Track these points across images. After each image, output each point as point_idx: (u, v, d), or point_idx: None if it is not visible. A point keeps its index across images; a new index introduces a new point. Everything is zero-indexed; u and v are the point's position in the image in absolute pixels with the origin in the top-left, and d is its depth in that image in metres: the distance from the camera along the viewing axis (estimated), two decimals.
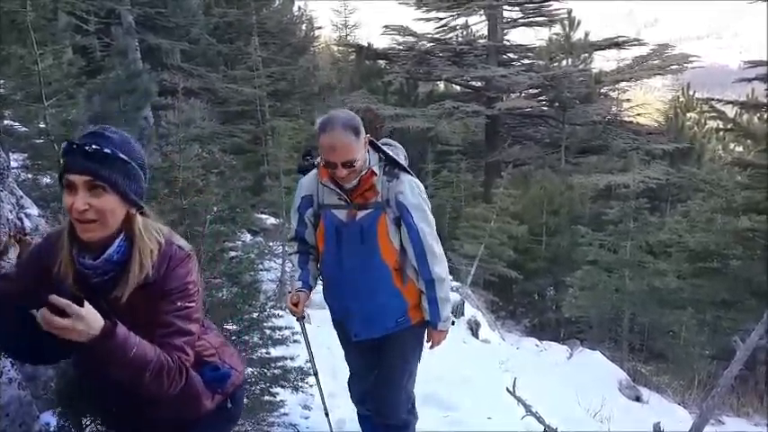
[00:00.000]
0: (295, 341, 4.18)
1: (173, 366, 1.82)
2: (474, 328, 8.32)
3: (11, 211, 3.15)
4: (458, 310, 8.51)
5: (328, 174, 2.92)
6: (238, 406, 2.29)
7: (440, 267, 3.01)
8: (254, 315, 3.89)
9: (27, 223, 3.48)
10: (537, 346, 9.68)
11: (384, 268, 2.99)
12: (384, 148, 3.03)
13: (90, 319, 1.62)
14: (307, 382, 4.15)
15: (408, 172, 3.01)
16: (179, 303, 1.88)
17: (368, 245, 2.95)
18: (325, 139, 2.81)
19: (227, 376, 2.09)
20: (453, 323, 3.24)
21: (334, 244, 3.03)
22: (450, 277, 3.15)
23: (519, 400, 4.88)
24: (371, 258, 2.97)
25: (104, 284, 1.84)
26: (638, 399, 7.61)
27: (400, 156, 3.06)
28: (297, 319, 3.33)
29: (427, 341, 3.23)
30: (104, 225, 1.79)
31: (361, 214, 2.94)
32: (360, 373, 3.43)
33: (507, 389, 4.99)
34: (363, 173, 2.89)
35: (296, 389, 4.08)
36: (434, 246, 2.99)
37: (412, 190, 2.94)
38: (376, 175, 2.91)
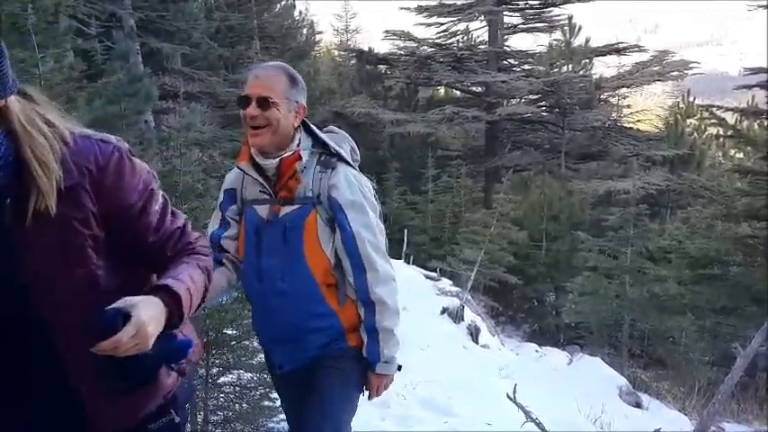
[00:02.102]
0: None
1: (208, 269, 1.57)
2: (474, 334, 8.30)
3: None
4: (458, 315, 8.51)
5: (249, 155, 2.32)
6: (184, 416, 1.75)
7: (383, 288, 2.29)
8: None
9: None
10: (537, 351, 9.65)
11: (310, 279, 2.30)
12: (324, 135, 2.41)
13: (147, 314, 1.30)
14: None
15: (350, 164, 2.38)
16: (152, 206, 1.50)
17: (290, 247, 2.29)
18: (250, 73, 2.31)
19: (188, 346, 1.52)
20: (400, 368, 2.47)
21: (253, 252, 2.37)
22: (398, 308, 2.36)
23: (519, 406, 4.87)
24: (294, 264, 2.30)
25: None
26: (638, 405, 7.60)
27: (344, 146, 2.45)
28: None
29: (365, 388, 2.45)
30: None
31: (285, 210, 2.30)
32: (295, 422, 2.58)
33: (507, 395, 4.98)
34: (286, 153, 2.27)
35: None
36: (376, 258, 2.28)
37: (349, 184, 2.30)
38: (301, 159, 2.28)
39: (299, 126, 2.33)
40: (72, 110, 5.34)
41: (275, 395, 3.94)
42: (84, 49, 11.61)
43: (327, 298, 2.32)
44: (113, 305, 1.29)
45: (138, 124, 10.42)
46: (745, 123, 16.87)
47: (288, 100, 2.25)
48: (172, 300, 1.38)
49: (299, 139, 2.32)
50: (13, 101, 1.34)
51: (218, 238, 2.44)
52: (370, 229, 2.30)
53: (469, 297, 10.23)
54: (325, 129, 2.52)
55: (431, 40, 22.42)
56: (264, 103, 2.20)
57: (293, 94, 2.27)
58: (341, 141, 2.46)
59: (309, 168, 2.30)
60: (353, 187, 2.31)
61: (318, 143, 2.36)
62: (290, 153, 2.27)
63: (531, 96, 21.21)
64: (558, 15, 21.21)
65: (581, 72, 20.58)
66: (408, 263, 12.63)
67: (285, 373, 2.48)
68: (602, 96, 21.32)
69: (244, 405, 3.97)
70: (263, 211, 2.34)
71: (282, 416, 3.97)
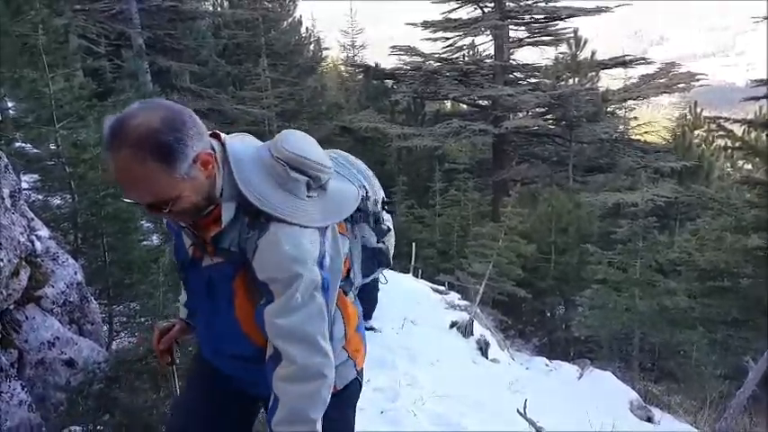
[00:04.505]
0: None
1: None
2: (483, 348, 8.26)
3: (22, 234, 3.17)
4: (467, 330, 8.48)
5: None
6: None
7: (294, 387, 1.70)
8: None
9: (38, 245, 3.51)
10: (547, 365, 9.60)
11: (247, 344, 1.84)
12: (251, 189, 1.69)
13: None
14: None
15: (286, 222, 1.68)
16: None
17: (218, 305, 1.82)
18: (110, 160, 1.59)
19: None
20: None
21: (185, 279, 1.99)
22: (309, 418, 1.71)
23: (530, 421, 4.85)
24: (226, 325, 1.84)
25: None
26: (649, 419, 7.54)
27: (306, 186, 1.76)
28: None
29: None
30: None
31: (207, 261, 1.80)
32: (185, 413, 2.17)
33: (518, 410, 4.96)
34: (206, 212, 1.71)
35: None
36: (294, 350, 1.69)
37: (276, 254, 1.66)
38: (219, 224, 1.70)
39: (215, 173, 1.67)
40: (82, 129, 5.40)
41: None
42: (94, 68, 11.77)
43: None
44: None
45: None
46: (752, 135, 16.81)
47: (182, 178, 1.59)
48: None
49: (221, 187, 1.69)
50: None
51: (175, 255, 2.02)
52: (289, 314, 1.68)
53: (478, 311, 10.19)
54: (273, 152, 1.75)
55: (437, 55, 22.57)
56: (158, 207, 1.63)
57: (181, 164, 1.57)
58: (284, 180, 1.73)
59: (236, 222, 1.71)
60: (279, 260, 1.67)
61: (241, 190, 1.69)
62: (209, 210, 1.70)
63: (537, 109, 21.26)
64: (564, 29, 21.32)
65: (587, 85, 20.59)
66: (417, 276, 12.62)
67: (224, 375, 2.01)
68: (608, 109, 21.34)
69: None
70: (187, 244, 1.86)
71: None
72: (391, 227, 2.19)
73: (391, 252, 2.22)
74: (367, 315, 7.59)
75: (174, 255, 1.99)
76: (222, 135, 1.75)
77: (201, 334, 1.99)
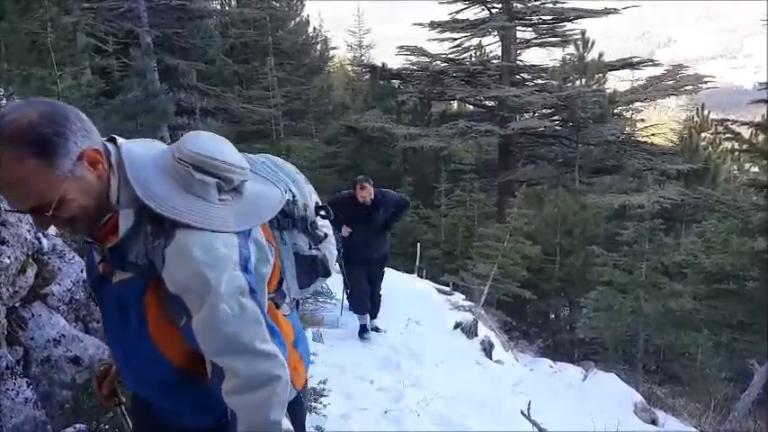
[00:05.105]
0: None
1: None
2: (488, 349, 8.27)
3: (29, 231, 3.19)
4: (471, 331, 8.49)
5: None
6: None
7: (246, 398, 1.57)
8: None
9: (44, 243, 3.53)
10: (551, 367, 9.58)
11: (166, 367, 1.66)
12: (148, 193, 1.53)
13: None
14: (320, 403, 4.15)
15: (193, 227, 1.53)
16: None
17: (131, 327, 1.63)
18: None
19: None
20: None
21: (96, 299, 1.78)
22: (271, 421, 1.59)
23: (533, 423, 4.84)
24: (141, 348, 1.65)
25: None
26: (653, 422, 7.53)
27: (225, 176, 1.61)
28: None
29: None
30: None
31: (119, 276, 1.61)
32: None
33: (522, 411, 4.96)
34: (103, 221, 1.55)
35: (309, 410, 4.08)
36: (234, 361, 1.55)
37: (186, 261, 1.51)
38: (116, 234, 1.55)
39: (107, 176, 1.52)
40: None
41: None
42: (102, 67, 11.81)
43: (203, 374, 1.64)
44: None
45: None
46: (760, 137, 16.75)
47: (65, 176, 1.44)
48: None
49: (118, 191, 1.54)
50: None
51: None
52: (217, 326, 1.54)
53: (483, 312, 10.20)
54: (176, 155, 1.58)
55: (444, 56, 22.56)
56: (41, 210, 1.45)
57: (62, 160, 1.43)
58: (190, 183, 1.57)
59: (138, 232, 1.54)
60: (190, 267, 1.51)
61: (139, 195, 1.52)
62: (108, 217, 1.54)
63: (544, 110, 21.23)
64: (571, 30, 21.28)
65: (594, 86, 20.55)
66: (421, 277, 12.62)
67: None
68: (615, 110, 21.29)
69: None
70: (97, 258, 1.67)
71: None
72: (329, 233, 2.03)
73: (332, 260, 2.06)
74: (371, 316, 7.59)
75: (87, 276, 1.81)
76: (119, 139, 1.60)
77: (120, 362, 1.80)
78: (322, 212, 2.00)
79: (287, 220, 1.86)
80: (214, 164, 1.60)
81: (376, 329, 7.58)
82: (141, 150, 1.60)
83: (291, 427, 1.65)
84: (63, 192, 1.43)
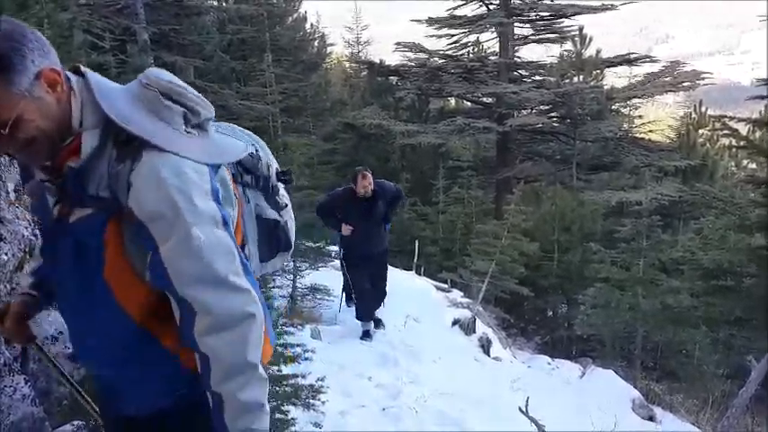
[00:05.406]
0: (306, 359, 4.19)
1: None
2: (485, 346, 8.27)
3: (26, 228, 3.18)
4: (469, 327, 8.49)
5: None
6: None
7: (220, 337, 1.49)
8: None
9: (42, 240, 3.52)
10: (549, 363, 9.59)
11: (123, 320, 1.55)
12: (115, 106, 1.49)
13: None
14: (318, 400, 4.15)
15: (164, 150, 1.47)
16: None
17: (86, 272, 1.52)
18: None
19: None
20: None
21: (48, 252, 1.68)
22: (248, 362, 1.52)
23: (531, 419, 4.85)
24: (94, 298, 1.54)
25: None
26: (651, 418, 7.54)
27: (166, 113, 1.55)
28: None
29: None
30: None
31: (76, 214, 1.51)
32: None
33: (520, 408, 4.96)
34: (67, 139, 1.47)
35: (307, 407, 4.08)
36: (207, 296, 1.48)
37: (157, 185, 1.44)
38: (78, 155, 1.47)
39: (68, 97, 1.47)
40: None
41: (287, 407, 3.96)
42: (99, 63, 11.75)
43: (159, 335, 1.58)
44: None
45: None
46: (757, 134, 16.78)
47: (22, 95, 1.38)
48: None
49: (81, 115, 1.48)
50: None
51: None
52: (191, 256, 1.46)
53: (481, 309, 10.20)
54: (141, 79, 1.57)
55: (441, 52, 22.50)
56: None
57: (19, 77, 1.37)
58: (157, 107, 1.53)
59: (101, 156, 1.46)
60: (161, 190, 1.44)
61: (111, 116, 1.47)
62: (69, 141, 1.47)
63: (542, 107, 21.20)
64: (569, 26, 21.22)
65: (592, 83, 20.54)
66: (420, 274, 12.62)
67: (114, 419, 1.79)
68: (613, 107, 21.28)
69: None
70: (51, 203, 1.56)
71: (294, 428, 3.98)
72: (288, 203, 1.99)
73: (292, 234, 2.00)
74: (374, 308, 7.50)
75: (40, 232, 1.67)
76: (83, 67, 1.54)
77: (74, 330, 1.66)
78: (284, 177, 1.97)
79: (250, 176, 1.81)
80: (181, 91, 1.57)
81: (377, 322, 7.53)
82: (108, 81, 1.56)
83: (267, 408, 1.58)
84: (20, 111, 1.37)
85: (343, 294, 8.29)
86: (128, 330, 1.55)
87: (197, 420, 1.59)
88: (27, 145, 1.43)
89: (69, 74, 1.51)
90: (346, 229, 6.99)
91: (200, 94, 1.61)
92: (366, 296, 7.22)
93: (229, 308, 1.49)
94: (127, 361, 1.59)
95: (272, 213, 1.90)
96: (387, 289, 7.62)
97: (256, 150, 1.86)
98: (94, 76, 1.52)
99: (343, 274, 7.63)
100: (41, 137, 1.43)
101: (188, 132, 1.56)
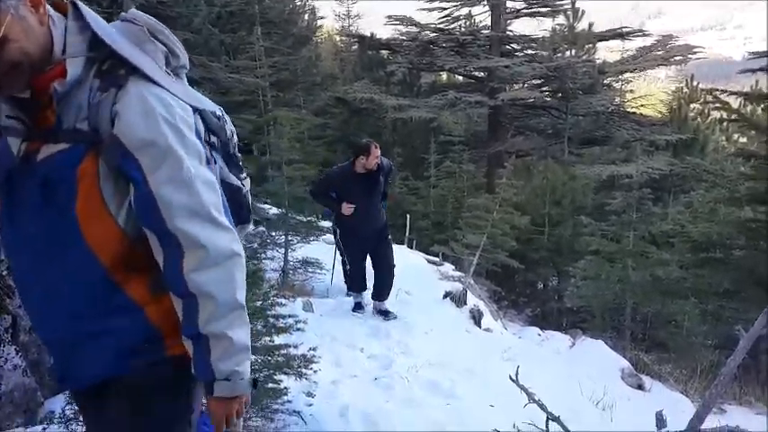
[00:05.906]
0: (298, 329, 4.20)
1: None
2: (477, 318, 8.31)
3: None
4: (460, 300, 8.52)
5: None
6: None
7: (210, 273, 1.47)
8: (258, 303, 3.91)
9: None
10: (539, 335, 9.67)
11: (90, 261, 1.48)
12: (108, 29, 1.50)
13: None
14: (311, 369, 4.17)
15: (153, 81, 1.47)
16: None
17: (55, 211, 1.45)
18: None
19: None
20: (256, 384, 1.69)
21: (4, 205, 1.54)
22: (237, 300, 1.54)
23: (522, 388, 4.88)
24: (62, 238, 1.47)
25: None
26: (640, 387, 7.62)
27: (147, 47, 1.55)
28: None
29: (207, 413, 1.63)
30: None
31: (46, 151, 1.44)
32: None
33: (510, 377, 4.99)
34: (47, 68, 1.42)
35: (299, 376, 4.10)
36: (196, 230, 1.46)
37: (145, 113, 1.42)
38: (64, 77, 1.41)
39: (49, 22, 1.43)
40: None
41: (279, 377, 3.98)
42: None
43: (124, 285, 1.51)
44: None
45: None
46: (748, 108, 16.80)
47: (8, 10, 1.33)
48: None
49: (65, 40, 1.44)
50: None
51: None
52: (181, 186, 1.44)
53: (472, 282, 10.24)
54: (122, 17, 1.60)
55: (433, 26, 22.32)
56: None
57: None
58: (142, 40, 1.53)
59: (82, 86, 1.42)
60: (151, 118, 1.42)
61: (98, 44, 1.44)
62: (49, 66, 1.42)
63: (533, 81, 21.12)
64: (562, 0, 21.09)
65: (584, 57, 20.46)
66: (411, 248, 12.65)
67: (74, 393, 1.76)
68: (605, 81, 21.23)
69: None
70: (15, 144, 1.46)
71: (286, 397, 4.01)
72: (247, 178, 1.98)
73: (250, 204, 2.00)
74: (382, 297, 7.30)
75: None
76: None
77: (35, 289, 1.55)
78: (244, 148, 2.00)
79: (215, 139, 1.78)
80: (164, 31, 1.60)
81: (386, 313, 7.15)
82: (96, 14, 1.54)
83: (251, 354, 1.63)
84: (7, 30, 1.31)
85: (334, 267, 8.26)
86: (95, 275, 1.49)
87: (157, 382, 1.55)
88: (11, 68, 1.36)
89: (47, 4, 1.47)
90: (348, 208, 6.71)
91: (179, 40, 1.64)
92: (358, 267, 7.19)
93: (218, 244, 1.48)
94: (90, 313, 1.51)
95: (234, 180, 1.89)
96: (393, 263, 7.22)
97: (222, 114, 1.83)
98: (84, 6, 1.49)
99: (339, 249, 7.41)
100: (25, 61, 1.37)
101: (167, 74, 1.56)
